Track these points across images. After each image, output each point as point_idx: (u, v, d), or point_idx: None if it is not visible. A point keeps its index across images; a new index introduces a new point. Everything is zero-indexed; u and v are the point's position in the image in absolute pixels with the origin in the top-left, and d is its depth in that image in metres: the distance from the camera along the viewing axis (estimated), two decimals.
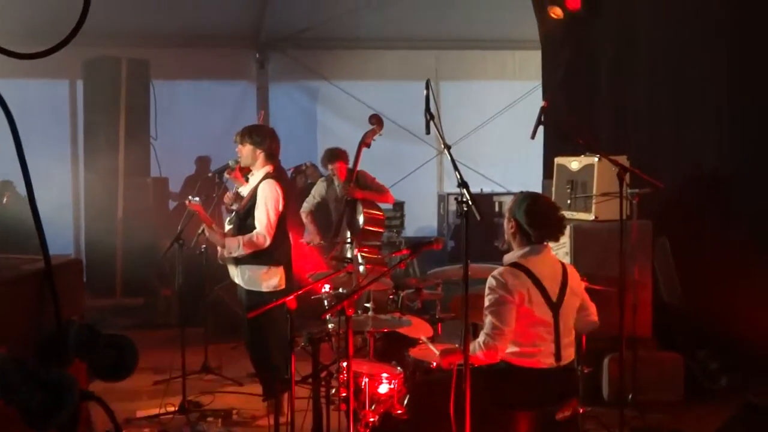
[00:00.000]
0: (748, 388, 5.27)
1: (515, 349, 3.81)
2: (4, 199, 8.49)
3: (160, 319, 8.38)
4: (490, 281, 3.82)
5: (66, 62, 8.84)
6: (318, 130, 11.72)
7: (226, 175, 5.71)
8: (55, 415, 1.33)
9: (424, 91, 3.78)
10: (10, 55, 1.51)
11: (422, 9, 10.19)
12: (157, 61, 9.91)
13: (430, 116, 3.78)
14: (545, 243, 3.96)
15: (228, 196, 5.88)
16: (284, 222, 5.40)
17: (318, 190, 7.63)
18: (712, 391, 5.83)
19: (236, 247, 5.23)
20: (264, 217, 5.22)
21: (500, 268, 3.88)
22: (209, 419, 5.49)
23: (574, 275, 4.02)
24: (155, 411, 5.55)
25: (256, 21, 10.87)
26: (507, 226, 4.02)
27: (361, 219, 6.87)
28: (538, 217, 3.91)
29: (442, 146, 3.78)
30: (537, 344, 3.83)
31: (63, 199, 10.41)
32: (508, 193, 10.53)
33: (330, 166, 7.37)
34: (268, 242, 5.23)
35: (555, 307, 3.84)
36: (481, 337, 3.75)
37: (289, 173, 9.13)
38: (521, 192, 4.14)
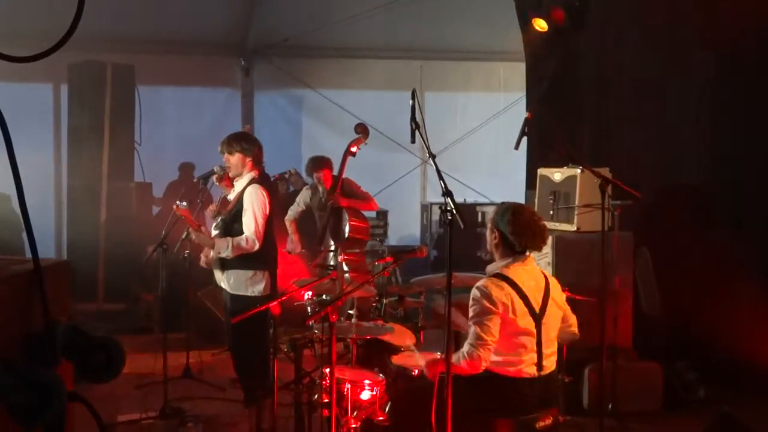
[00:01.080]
0: (725, 399, 5.32)
1: (497, 358, 3.84)
2: None
3: (142, 323, 8.37)
4: (474, 292, 3.84)
5: (50, 66, 8.69)
6: (303, 138, 11.70)
7: (213, 180, 5.70)
8: (44, 413, 1.34)
9: (410, 101, 3.81)
10: (2, 58, 1.52)
11: (408, 19, 10.22)
12: (143, 67, 9.86)
13: (415, 125, 3.81)
14: (528, 253, 4.00)
15: (210, 209, 5.88)
16: (271, 227, 5.40)
17: (303, 198, 7.64)
18: (689, 402, 5.89)
19: (225, 247, 5.21)
20: (252, 222, 5.22)
21: (484, 279, 3.90)
22: (190, 425, 5.48)
23: (556, 288, 4.06)
24: (136, 416, 5.55)
25: (242, 28, 10.87)
26: (490, 236, 4.04)
27: (346, 228, 6.87)
28: (521, 227, 3.94)
29: (428, 155, 3.81)
30: (519, 354, 3.85)
31: (45, 203, 10.35)
32: (491, 203, 10.54)
33: (315, 174, 7.39)
34: (257, 246, 5.22)
35: (538, 317, 3.88)
36: (466, 347, 3.77)
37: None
38: (504, 202, 4.17)
